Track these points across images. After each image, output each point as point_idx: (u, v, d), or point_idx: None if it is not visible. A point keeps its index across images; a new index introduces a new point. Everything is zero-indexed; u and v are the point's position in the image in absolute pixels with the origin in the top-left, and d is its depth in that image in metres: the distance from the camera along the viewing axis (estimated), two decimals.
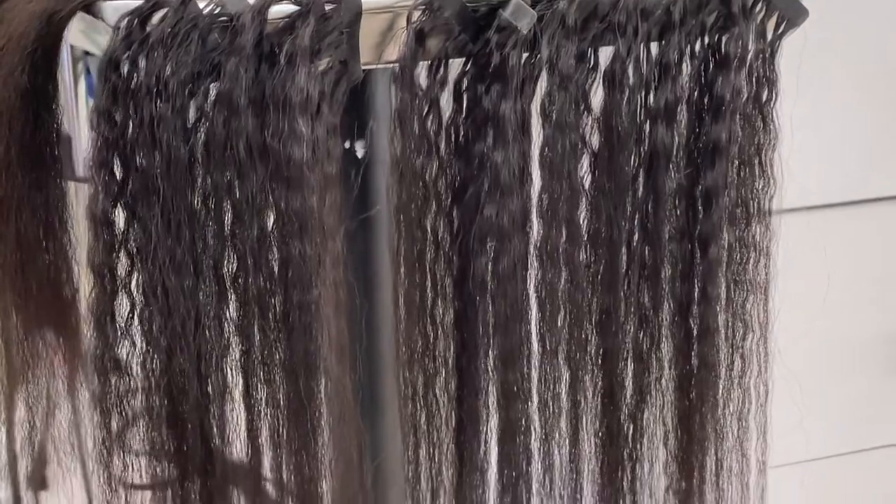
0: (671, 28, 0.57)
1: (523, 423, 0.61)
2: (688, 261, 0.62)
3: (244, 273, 0.52)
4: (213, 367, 0.53)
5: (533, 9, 0.54)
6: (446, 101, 0.56)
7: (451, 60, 0.55)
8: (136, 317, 0.52)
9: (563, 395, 0.62)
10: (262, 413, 0.55)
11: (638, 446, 0.65)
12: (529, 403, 0.60)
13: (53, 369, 0.69)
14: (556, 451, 0.63)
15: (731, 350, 0.65)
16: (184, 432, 0.54)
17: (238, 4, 0.50)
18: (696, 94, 0.60)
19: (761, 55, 0.60)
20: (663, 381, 0.64)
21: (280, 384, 0.54)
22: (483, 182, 0.56)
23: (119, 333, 0.53)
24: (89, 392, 0.54)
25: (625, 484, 0.65)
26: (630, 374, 0.63)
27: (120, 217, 0.51)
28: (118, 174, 0.51)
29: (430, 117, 0.55)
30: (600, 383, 0.63)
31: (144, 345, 0.53)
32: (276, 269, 0.52)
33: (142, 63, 0.49)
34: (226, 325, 0.54)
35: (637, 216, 0.61)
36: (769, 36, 0.60)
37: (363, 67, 0.54)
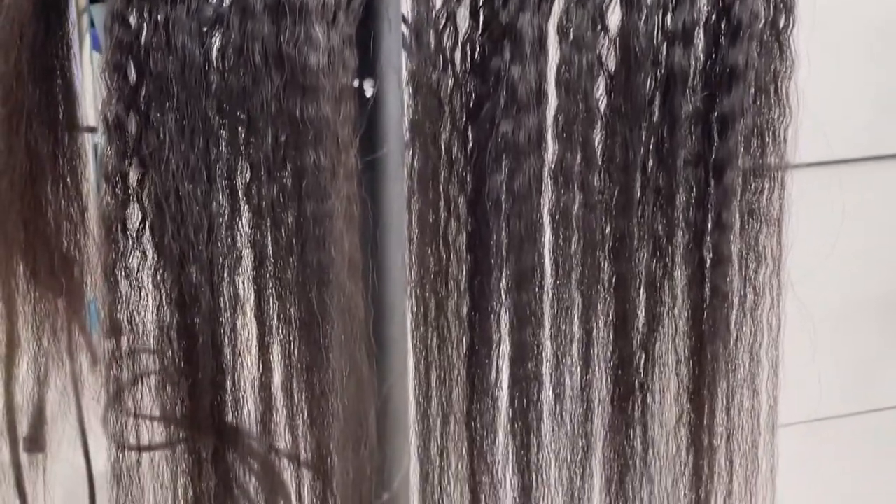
0: None
1: (535, 347, 0.60)
2: (703, 187, 0.61)
3: (257, 183, 0.52)
4: (225, 279, 0.53)
5: None
6: (463, 15, 0.56)
7: None
8: (147, 226, 0.52)
9: (576, 322, 0.61)
10: (274, 327, 0.54)
11: (650, 376, 0.64)
12: (541, 328, 0.60)
13: (54, 330, 0.69)
14: (567, 379, 0.62)
15: (744, 281, 0.65)
16: (195, 345, 0.53)
17: None
18: (713, 17, 0.60)
19: None
20: (676, 309, 0.64)
21: (292, 297, 0.54)
22: (499, 98, 0.55)
23: (130, 243, 0.52)
24: (100, 305, 0.54)
25: (636, 414, 0.65)
26: (643, 302, 0.63)
27: (133, 123, 0.51)
28: (132, 78, 0.50)
29: (447, 32, 0.55)
30: (613, 310, 0.62)
31: (156, 255, 0.52)
32: (289, 179, 0.52)
33: None
34: (238, 236, 0.53)
35: (653, 140, 0.60)
36: None
37: None
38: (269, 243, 0.53)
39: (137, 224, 0.52)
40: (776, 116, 0.63)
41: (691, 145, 0.61)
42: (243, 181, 0.52)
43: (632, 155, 0.59)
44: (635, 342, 0.63)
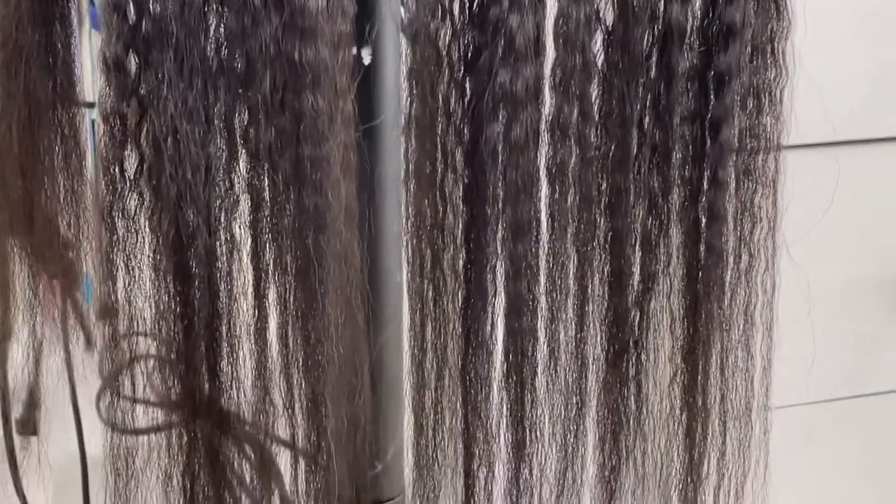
0: None
1: (530, 301, 0.60)
2: (699, 144, 0.62)
3: (255, 125, 0.52)
4: (221, 223, 0.53)
5: None
6: None
7: None
8: (144, 168, 0.52)
9: (571, 276, 0.61)
10: (270, 273, 0.55)
11: (644, 334, 0.65)
12: (537, 281, 0.60)
13: (48, 311, 0.69)
14: (561, 334, 0.62)
15: (738, 242, 0.65)
16: (191, 289, 0.53)
17: None
18: None
19: None
20: (671, 268, 0.64)
21: (289, 242, 0.54)
22: (497, 48, 0.55)
23: (128, 184, 0.52)
24: (96, 247, 0.54)
25: (630, 372, 0.65)
26: (638, 259, 0.63)
27: (132, 63, 0.51)
28: (131, 18, 0.50)
29: None
30: (608, 267, 0.63)
31: (153, 198, 0.52)
32: (287, 122, 0.52)
33: None
34: (236, 179, 0.53)
35: (649, 96, 0.60)
36: None
37: None
38: (266, 187, 0.53)
39: (135, 166, 0.52)
40: (772, 77, 0.63)
41: (688, 102, 0.61)
42: (241, 124, 0.52)
43: (628, 110, 0.60)
44: (630, 300, 0.64)
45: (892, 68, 1.12)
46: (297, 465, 0.58)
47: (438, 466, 0.63)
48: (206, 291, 0.53)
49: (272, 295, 0.55)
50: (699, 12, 0.60)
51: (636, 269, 0.63)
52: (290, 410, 0.57)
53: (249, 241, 0.54)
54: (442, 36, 0.56)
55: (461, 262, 0.60)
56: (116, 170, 0.52)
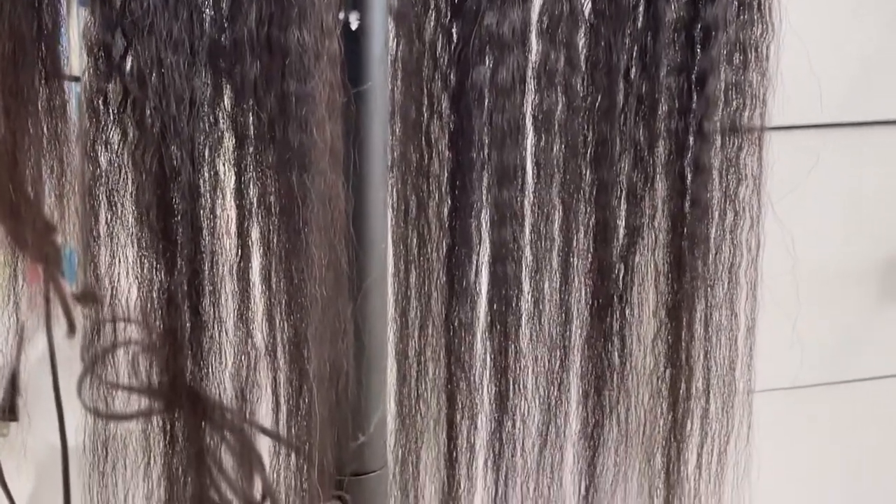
0: None
1: (515, 249, 0.60)
2: (685, 96, 0.62)
3: (240, 60, 0.52)
4: (206, 158, 0.53)
5: None
6: None
7: None
8: (129, 102, 0.52)
9: (556, 227, 0.61)
10: (254, 212, 0.54)
11: (628, 289, 0.65)
12: (522, 229, 0.60)
13: (31, 296, 0.69)
14: (546, 286, 0.62)
15: (724, 198, 0.65)
16: (174, 225, 0.53)
17: None
18: None
19: None
20: (656, 221, 0.64)
21: (272, 180, 0.53)
22: None
23: (112, 117, 0.52)
24: (80, 181, 0.54)
25: (614, 326, 0.65)
26: (623, 213, 0.63)
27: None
28: None
29: None
30: (593, 219, 0.63)
31: (137, 132, 0.52)
32: (273, 57, 0.52)
33: None
34: (220, 115, 0.53)
35: (636, 47, 0.61)
36: None
37: None
38: (251, 123, 0.53)
39: (119, 98, 0.52)
40: (759, 33, 0.63)
41: (674, 53, 0.61)
42: (226, 58, 0.52)
43: (615, 59, 0.60)
44: (615, 253, 0.64)
45: (881, 51, 1.12)
46: (278, 413, 0.58)
47: (421, 417, 0.63)
48: (189, 228, 0.53)
49: (255, 234, 0.55)
50: None
51: (621, 222, 0.63)
52: (272, 353, 0.56)
53: (233, 178, 0.54)
54: None
55: (446, 210, 0.60)
56: (100, 102, 0.52)
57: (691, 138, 0.63)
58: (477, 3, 0.56)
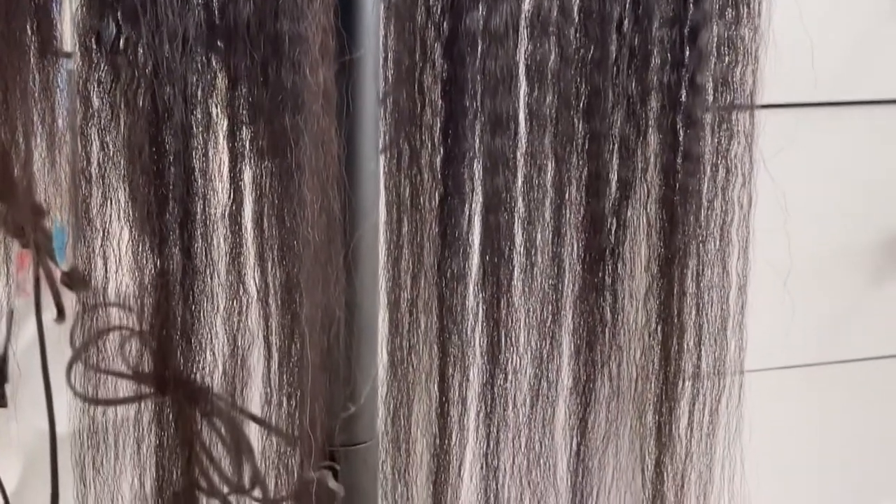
0: None
1: (508, 199, 0.60)
2: (677, 49, 0.62)
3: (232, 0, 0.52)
4: (198, 99, 0.53)
5: None
6: None
7: None
8: (122, 40, 0.52)
9: (548, 179, 0.61)
10: (246, 153, 0.54)
11: (620, 243, 0.65)
12: (515, 178, 0.60)
13: (18, 281, 0.69)
14: (538, 238, 0.62)
15: (716, 154, 0.65)
16: (166, 166, 0.53)
17: None
18: None
19: None
20: (648, 175, 0.64)
21: (265, 122, 0.53)
22: None
23: (104, 56, 0.52)
24: (73, 123, 0.54)
25: (606, 280, 0.65)
26: (615, 166, 0.63)
27: None
28: None
29: None
30: (585, 171, 0.63)
31: (129, 69, 0.52)
32: None
33: None
34: (212, 56, 0.53)
35: None
36: None
37: None
38: (244, 64, 0.53)
39: (112, 36, 0.52)
40: None
41: (667, 5, 0.61)
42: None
43: (608, 9, 0.60)
44: (607, 206, 0.64)
45: (871, 31, 1.12)
46: (269, 360, 0.58)
47: (412, 369, 0.63)
48: (182, 169, 0.53)
49: (248, 177, 0.55)
50: None
51: (613, 175, 0.63)
52: (263, 299, 0.56)
53: (226, 121, 0.54)
54: None
55: (439, 159, 0.60)
56: (92, 41, 0.52)
57: (684, 91, 0.63)
58: None
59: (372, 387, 0.72)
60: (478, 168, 0.60)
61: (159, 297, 0.54)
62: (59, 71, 0.64)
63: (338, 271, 0.58)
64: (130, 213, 0.54)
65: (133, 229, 0.54)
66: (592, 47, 0.61)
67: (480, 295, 0.62)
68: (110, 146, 0.53)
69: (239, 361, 0.57)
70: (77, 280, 0.60)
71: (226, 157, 0.55)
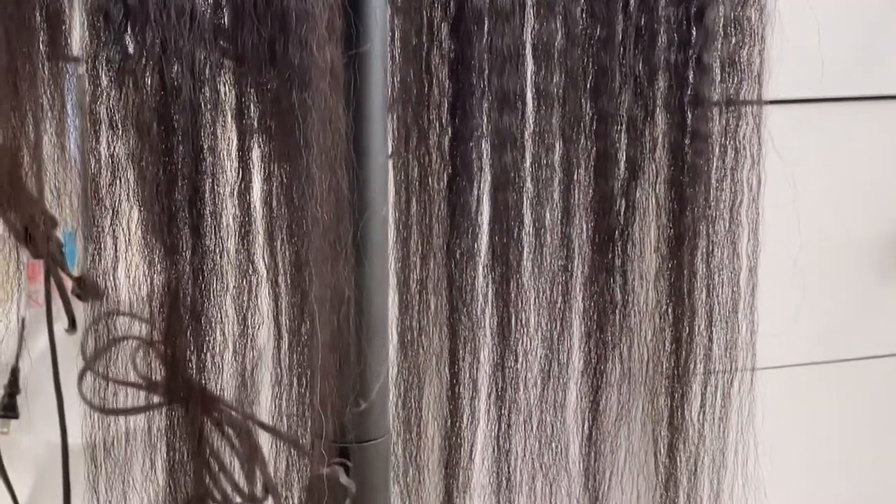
0: None
1: (516, 179, 0.60)
2: (684, 28, 0.62)
3: None
4: (207, 77, 0.53)
5: None
6: None
7: None
8: (130, 19, 0.52)
9: (557, 157, 0.61)
10: (255, 130, 0.54)
11: (630, 224, 0.65)
12: (523, 158, 0.60)
13: (30, 293, 0.69)
14: (547, 218, 0.62)
15: (724, 135, 0.65)
16: (176, 143, 0.53)
17: None
18: None
19: None
20: (657, 155, 0.64)
21: (273, 99, 0.54)
22: None
23: (112, 34, 0.52)
24: (82, 104, 0.54)
25: (616, 262, 0.65)
26: (623, 145, 0.63)
27: None
28: None
29: None
30: (593, 151, 0.63)
31: (137, 47, 0.52)
32: None
33: None
34: (220, 34, 0.53)
35: None
36: None
37: None
38: (251, 41, 0.53)
39: (120, 15, 0.52)
40: None
41: None
42: None
43: None
44: (616, 186, 0.64)
45: (881, 26, 1.12)
46: (280, 341, 0.58)
47: (423, 351, 0.62)
48: (190, 146, 0.53)
49: (256, 155, 0.55)
50: None
51: (622, 155, 0.63)
52: (273, 278, 0.56)
53: (234, 99, 0.54)
54: None
55: (447, 139, 0.60)
56: (101, 19, 0.52)
57: (691, 71, 0.63)
58: None
59: (383, 383, 0.71)
60: (486, 147, 0.60)
61: (169, 276, 0.54)
62: (70, 76, 0.64)
63: (347, 250, 0.58)
64: (139, 191, 0.54)
65: (143, 206, 0.54)
66: (599, 26, 0.61)
67: (490, 275, 0.62)
68: (119, 126, 0.53)
69: (249, 342, 0.57)
70: (88, 288, 0.60)
71: (234, 136, 0.55)
